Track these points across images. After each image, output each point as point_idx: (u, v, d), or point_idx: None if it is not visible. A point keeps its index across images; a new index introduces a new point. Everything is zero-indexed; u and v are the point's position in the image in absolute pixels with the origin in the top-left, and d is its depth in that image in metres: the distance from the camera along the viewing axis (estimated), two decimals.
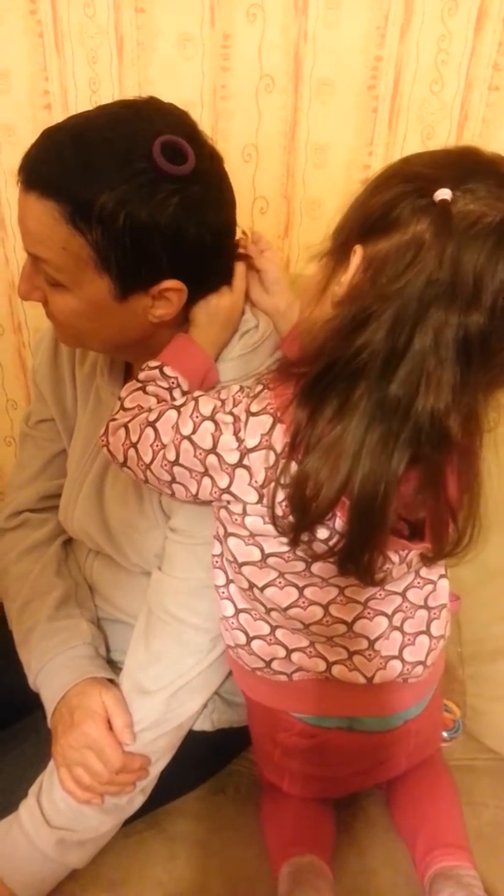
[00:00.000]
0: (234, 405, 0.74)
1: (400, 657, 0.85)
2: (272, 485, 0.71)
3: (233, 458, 0.72)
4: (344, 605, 0.81)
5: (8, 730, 1.02)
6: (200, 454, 0.73)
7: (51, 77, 1.33)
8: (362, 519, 0.69)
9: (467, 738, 1.13)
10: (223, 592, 0.85)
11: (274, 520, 0.73)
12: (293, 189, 1.32)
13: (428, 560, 0.80)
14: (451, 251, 0.61)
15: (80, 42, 1.28)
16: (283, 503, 0.71)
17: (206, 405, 0.75)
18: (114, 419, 0.80)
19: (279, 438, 0.71)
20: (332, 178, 1.29)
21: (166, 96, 0.78)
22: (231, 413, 0.73)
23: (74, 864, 0.86)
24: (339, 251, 0.70)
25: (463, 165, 0.65)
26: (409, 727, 0.90)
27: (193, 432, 0.74)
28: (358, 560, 0.73)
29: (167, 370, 0.81)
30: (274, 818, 0.97)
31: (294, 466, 0.70)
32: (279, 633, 0.84)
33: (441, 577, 0.88)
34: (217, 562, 0.84)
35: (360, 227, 0.67)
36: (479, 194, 0.62)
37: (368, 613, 0.82)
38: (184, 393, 0.80)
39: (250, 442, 0.72)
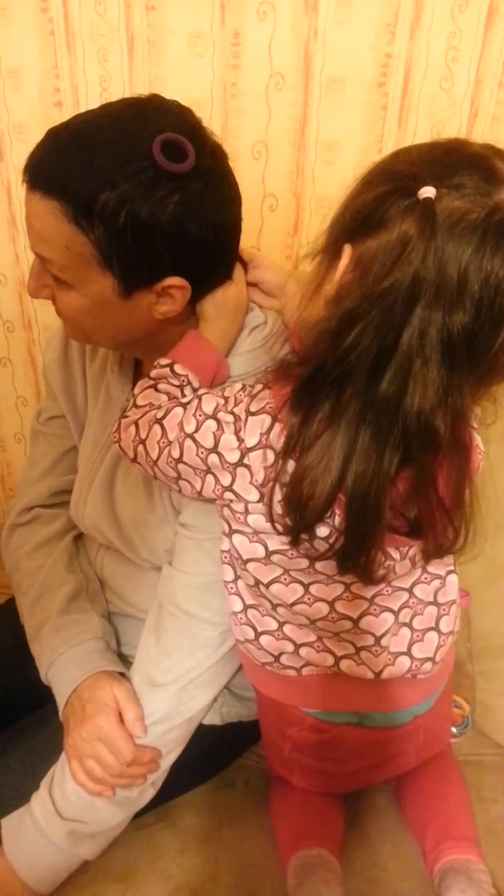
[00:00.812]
0: (236, 404, 0.74)
1: (409, 653, 0.85)
2: (271, 484, 0.72)
3: (233, 457, 0.73)
4: (350, 601, 0.81)
5: (20, 723, 1.02)
6: (202, 452, 0.74)
7: (62, 75, 1.34)
8: (358, 517, 0.70)
9: (476, 734, 1.13)
10: (231, 588, 0.85)
11: (273, 519, 0.73)
12: (303, 186, 1.32)
13: (427, 556, 0.80)
14: (434, 249, 0.60)
15: (91, 40, 1.29)
16: (282, 502, 0.72)
17: (209, 403, 0.75)
18: (126, 416, 0.81)
19: (277, 437, 0.71)
20: (341, 175, 1.29)
21: (176, 94, 0.79)
22: (232, 412, 0.74)
23: (86, 855, 0.87)
24: (331, 249, 0.70)
25: (449, 161, 0.64)
26: (417, 723, 0.91)
27: (196, 430, 0.74)
28: (356, 558, 0.73)
29: (177, 368, 0.81)
30: (283, 812, 0.98)
31: (291, 466, 0.70)
32: (287, 629, 0.84)
33: (450, 572, 0.88)
34: (226, 557, 0.85)
35: (349, 226, 0.68)
36: (465, 190, 0.62)
37: (374, 610, 0.82)
38: (194, 390, 0.81)
39: (250, 441, 0.72)
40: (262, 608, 0.84)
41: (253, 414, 0.73)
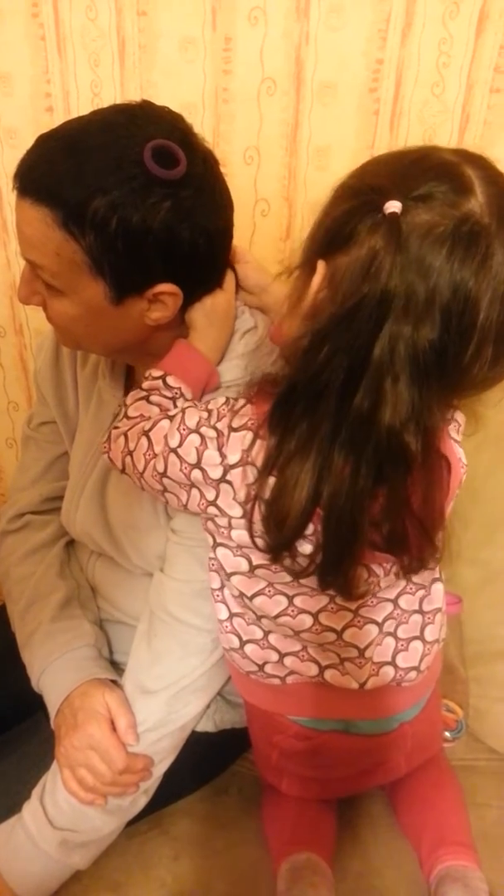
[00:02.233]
0: (219, 419, 0.74)
1: (393, 663, 0.85)
2: (252, 501, 0.71)
3: (216, 473, 0.73)
4: (335, 612, 0.81)
5: (10, 731, 1.02)
6: (186, 468, 0.74)
7: (53, 80, 1.33)
8: (335, 534, 0.69)
9: (470, 739, 1.13)
10: (218, 596, 0.85)
11: (253, 535, 0.73)
12: (295, 191, 1.32)
13: (405, 572, 0.79)
14: (401, 265, 0.60)
15: (82, 45, 1.29)
16: (261, 520, 0.71)
17: (192, 417, 0.75)
18: (116, 427, 0.81)
19: (259, 454, 0.70)
20: (333, 180, 1.25)
21: (168, 99, 0.79)
22: (215, 427, 0.73)
23: (78, 864, 0.87)
24: (307, 265, 0.70)
25: (415, 172, 0.63)
26: (405, 729, 0.90)
27: (179, 445, 0.74)
28: (336, 574, 0.73)
29: (170, 380, 0.81)
30: (274, 818, 0.97)
31: (271, 484, 0.70)
32: (272, 638, 0.84)
33: (435, 581, 0.87)
34: (213, 565, 0.84)
35: (322, 242, 0.67)
36: (432, 202, 0.60)
37: (358, 622, 0.82)
38: (187, 402, 0.80)
39: (232, 458, 0.72)
40: (247, 617, 0.84)
41: (235, 430, 0.72)
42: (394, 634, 0.85)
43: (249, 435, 0.71)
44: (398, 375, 0.62)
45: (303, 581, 0.77)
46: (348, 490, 0.66)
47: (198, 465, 0.73)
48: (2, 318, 1.65)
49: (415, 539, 0.72)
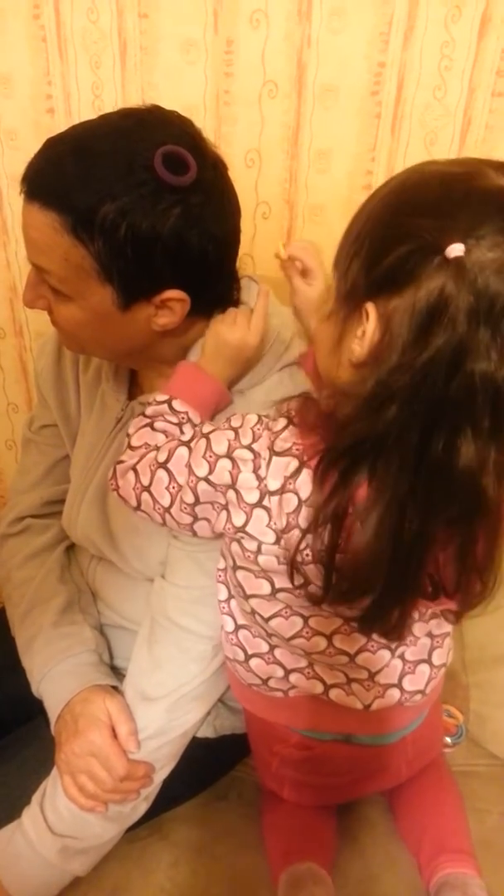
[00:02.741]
0: (254, 440, 0.71)
1: (399, 685, 0.84)
2: (294, 531, 0.69)
3: (252, 497, 0.70)
4: (348, 635, 0.79)
5: (10, 736, 1.01)
6: (221, 489, 0.71)
7: (54, 81, 1.33)
8: (395, 585, 0.67)
9: (470, 744, 1.13)
10: (224, 608, 0.84)
11: (294, 566, 0.70)
12: (296, 194, 1.32)
13: (453, 616, 0.78)
14: (475, 308, 0.57)
15: (84, 47, 1.28)
16: (306, 551, 0.69)
17: (220, 442, 0.72)
18: (121, 461, 0.78)
19: (305, 484, 0.68)
20: (334, 183, 1.29)
21: (169, 101, 0.79)
22: (250, 448, 0.70)
23: (77, 871, 0.86)
24: (347, 304, 0.67)
25: (470, 209, 0.60)
26: (406, 738, 0.90)
27: (210, 472, 0.71)
28: (385, 621, 0.71)
29: (176, 404, 0.79)
30: (274, 826, 0.97)
31: (325, 537, 0.67)
32: (277, 653, 0.83)
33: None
34: (220, 576, 0.84)
35: (368, 282, 0.64)
36: (494, 239, 0.58)
37: (372, 646, 0.81)
38: (194, 426, 0.78)
39: (272, 484, 0.69)
40: (253, 629, 0.83)
41: (278, 454, 0.69)
42: (402, 657, 0.84)
43: (294, 463, 0.68)
44: (478, 420, 0.60)
45: (323, 606, 0.75)
46: (414, 541, 0.65)
47: (232, 486, 0.71)
48: (1, 320, 1.64)
49: (472, 584, 0.70)
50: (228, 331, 0.81)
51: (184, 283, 0.77)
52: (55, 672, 0.91)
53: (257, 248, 1.38)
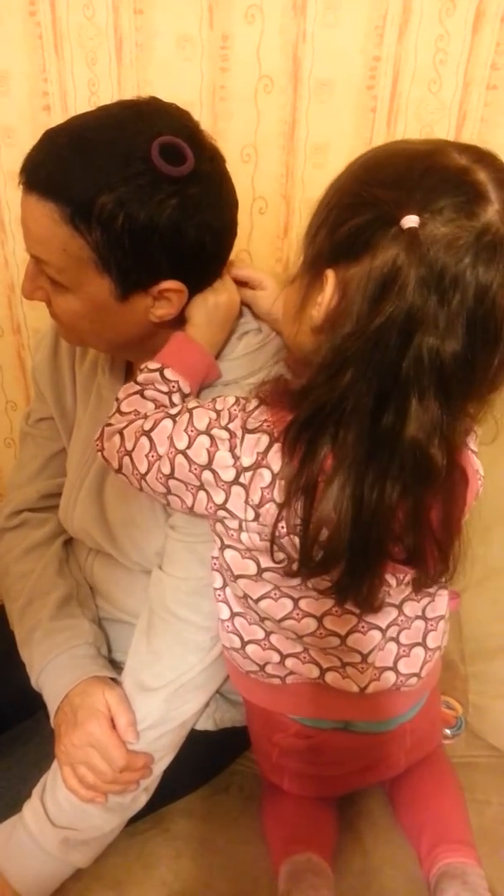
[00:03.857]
0: (230, 420, 0.73)
1: (394, 668, 0.85)
2: (268, 505, 0.70)
3: (228, 475, 0.72)
4: (339, 616, 0.80)
5: (10, 731, 1.01)
6: (196, 469, 0.73)
7: (50, 78, 1.33)
8: (360, 551, 0.69)
9: (470, 736, 1.13)
10: (219, 595, 0.85)
11: (273, 541, 0.72)
12: (292, 189, 1.32)
13: (417, 586, 0.79)
14: (425, 280, 0.59)
15: (80, 43, 1.28)
16: (282, 525, 0.71)
17: (201, 419, 0.74)
18: (109, 424, 0.80)
19: (276, 458, 0.69)
20: (331, 177, 1.26)
21: (165, 97, 0.79)
22: (227, 428, 0.72)
23: (79, 863, 0.86)
24: (310, 270, 0.69)
25: (428, 183, 0.61)
26: (404, 727, 0.90)
27: (188, 447, 0.73)
28: (358, 589, 0.73)
29: (168, 373, 0.80)
30: (274, 817, 0.97)
31: (298, 509, 0.68)
32: (273, 639, 0.84)
33: (439, 588, 0.87)
34: (215, 564, 0.84)
35: (329, 250, 0.66)
36: (449, 214, 0.60)
37: (362, 627, 0.82)
38: (184, 396, 0.80)
39: (246, 460, 0.71)
40: (249, 617, 0.83)
41: (250, 431, 0.71)
42: (396, 640, 0.84)
43: (265, 438, 0.70)
44: (425, 389, 0.62)
45: (310, 584, 0.77)
46: (374, 507, 0.66)
47: (208, 467, 0.72)
48: (0, 318, 1.65)
49: (431, 554, 0.72)
50: (215, 295, 0.82)
51: (181, 274, 0.78)
52: (54, 664, 0.91)
53: (254, 244, 1.38)
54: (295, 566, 0.73)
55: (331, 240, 0.66)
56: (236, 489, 0.72)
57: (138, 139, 0.72)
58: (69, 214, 0.72)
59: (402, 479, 0.66)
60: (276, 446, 0.70)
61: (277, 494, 0.70)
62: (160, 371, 0.80)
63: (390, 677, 0.84)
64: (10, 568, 1.03)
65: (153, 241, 0.74)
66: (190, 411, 0.75)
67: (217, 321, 0.83)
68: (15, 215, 1.44)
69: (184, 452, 0.73)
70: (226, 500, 0.73)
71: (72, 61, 1.30)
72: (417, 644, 0.85)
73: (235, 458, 0.71)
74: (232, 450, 0.71)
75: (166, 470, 0.74)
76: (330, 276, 0.65)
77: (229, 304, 0.84)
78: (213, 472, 0.72)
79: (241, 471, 0.71)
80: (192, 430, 0.73)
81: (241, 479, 0.71)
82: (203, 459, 0.72)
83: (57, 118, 1.36)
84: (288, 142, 1.28)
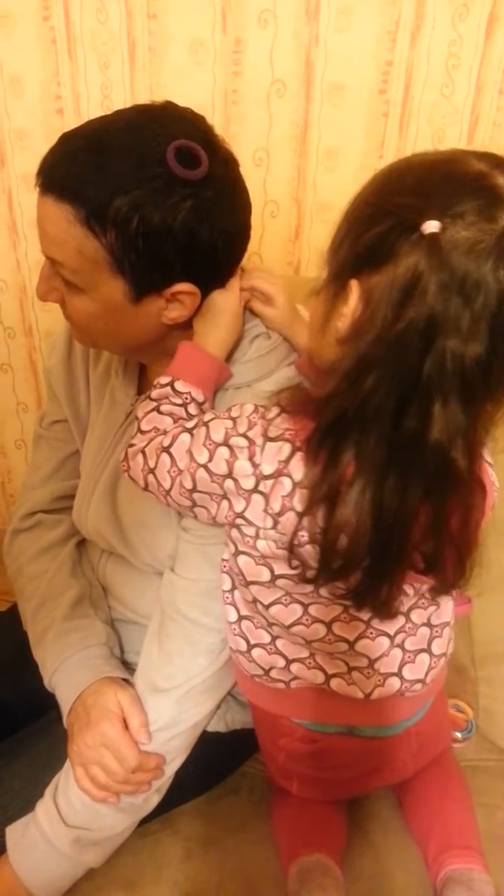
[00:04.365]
0: (249, 427, 0.72)
1: (399, 674, 0.84)
2: (289, 513, 0.70)
3: (248, 483, 0.71)
4: (347, 623, 0.80)
5: (23, 730, 1.02)
6: (218, 479, 0.73)
7: (63, 82, 1.34)
8: (382, 558, 0.69)
9: (480, 739, 1.13)
10: (227, 598, 0.85)
11: (291, 549, 0.72)
12: (304, 193, 1.33)
13: (435, 594, 0.79)
14: (447, 284, 0.59)
15: (93, 47, 1.29)
16: (302, 533, 0.70)
17: (218, 431, 0.73)
18: (132, 444, 0.80)
19: (298, 467, 0.69)
20: (342, 181, 1.29)
21: (178, 101, 0.79)
22: (245, 436, 0.72)
23: (91, 862, 0.87)
24: (335, 282, 0.69)
25: (447, 189, 0.61)
26: (410, 731, 0.90)
27: (209, 460, 0.73)
28: (376, 596, 0.73)
29: (179, 386, 0.80)
30: (283, 819, 0.97)
31: (320, 517, 0.68)
32: (279, 643, 0.84)
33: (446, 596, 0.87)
34: (224, 566, 0.84)
35: (352, 261, 0.66)
36: (469, 219, 0.60)
37: (371, 633, 0.82)
38: (199, 405, 0.80)
39: (266, 468, 0.70)
40: (255, 620, 0.84)
41: (271, 440, 0.71)
42: (401, 646, 0.84)
43: (287, 447, 0.70)
44: (447, 393, 0.62)
45: (322, 592, 0.77)
46: (396, 511, 0.66)
47: (229, 476, 0.72)
48: (12, 320, 1.65)
49: (450, 561, 0.72)
50: (223, 298, 0.83)
51: (194, 277, 0.78)
52: (67, 665, 0.91)
53: (265, 247, 1.38)
54: (312, 573, 0.72)
55: (353, 250, 0.66)
56: (256, 497, 0.72)
57: (154, 143, 0.72)
58: (85, 216, 0.73)
59: (423, 482, 0.66)
60: (299, 455, 0.69)
61: (297, 503, 0.69)
62: (171, 385, 0.80)
63: (395, 683, 0.84)
64: (24, 569, 1.04)
65: (167, 243, 0.75)
66: (206, 424, 0.75)
67: (224, 325, 0.83)
68: (27, 218, 1.46)
69: (205, 467, 0.73)
70: (245, 508, 0.73)
71: (85, 65, 1.32)
72: (422, 650, 0.85)
73: (255, 465, 0.71)
74: (251, 458, 0.71)
75: (188, 485, 0.74)
76: (354, 286, 0.65)
77: (230, 304, 0.83)
78: (235, 480, 0.72)
79: (260, 479, 0.71)
80: (210, 444, 0.73)
81: (261, 488, 0.71)
82: (223, 469, 0.72)
83: (70, 122, 1.37)
84: (300, 145, 1.28)
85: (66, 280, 0.79)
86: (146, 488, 0.79)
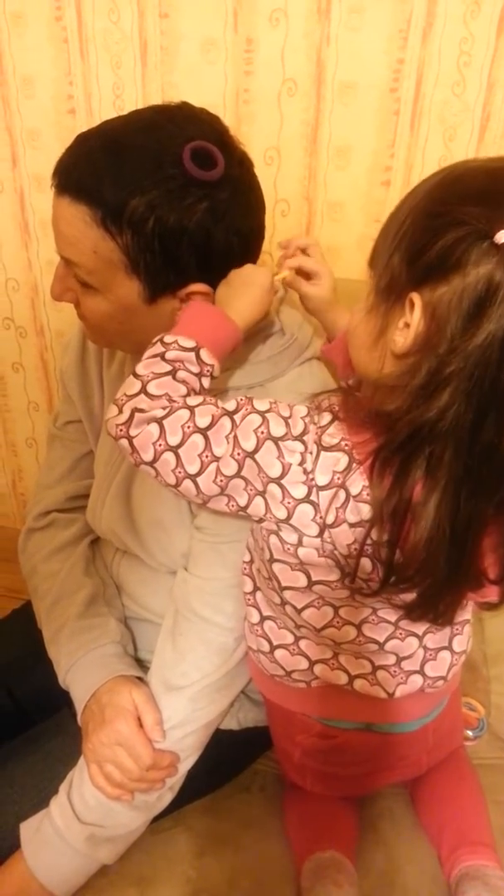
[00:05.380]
0: (304, 432, 0.71)
1: (421, 672, 0.84)
2: (343, 525, 0.69)
3: (299, 491, 0.70)
4: (376, 624, 0.80)
5: (37, 727, 1.02)
6: (264, 477, 0.70)
7: (75, 82, 1.35)
8: (453, 572, 0.68)
9: (492, 737, 1.13)
10: (249, 599, 0.85)
11: (340, 560, 0.71)
12: (315, 191, 1.33)
13: (491, 607, 0.78)
14: None
15: (105, 47, 1.30)
16: (354, 546, 0.69)
17: (278, 426, 0.70)
18: (140, 409, 0.71)
19: (356, 480, 0.68)
20: (353, 180, 1.29)
21: (189, 100, 0.80)
22: (301, 440, 0.70)
23: (104, 859, 0.87)
24: (387, 298, 0.68)
25: None
26: (427, 727, 0.91)
27: (255, 451, 0.70)
28: (435, 608, 0.72)
29: (204, 355, 0.74)
30: (296, 816, 0.98)
31: (385, 530, 0.67)
32: (303, 644, 0.84)
33: None
34: (245, 569, 0.84)
35: (412, 273, 0.65)
36: None
37: (400, 634, 0.82)
38: (212, 378, 0.76)
39: (321, 479, 0.69)
40: (279, 620, 0.84)
41: (326, 449, 0.69)
42: (423, 645, 0.84)
43: (345, 458, 0.68)
44: None
45: (358, 597, 0.76)
46: (469, 523, 0.65)
47: (278, 481, 0.70)
48: (23, 320, 1.66)
49: None
50: (255, 270, 0.80)
51: (209, 278, 0.79)
52: (81, 663, 0.92)
53: (276, 246, 1.38)
54: (373, 586, 0.71)
55: (412, 263, 0.65)
56: (304, 507, 0.70)
57: (170, 143, 0.73)
58: (100, 217, 0.74)
59: (497, 495, 0.65)
60: (358, 468, 0.68)
61: (350, 514, 0.68)
62: (196, 352, 0.74)
63: (417, 681, 0.84)
64: (38, 567, 1.04)
65: (182, 244, 0.75)
66: (262, 414, 0.72)
67: (246, 291, 0.80)
68: (39, 218, 1.46)
69: (252, 456, 0.70)
70: (288, 516, 0.71)
71: (97, 65, 1.32)
72: (444, 648, 0.86)
73: (306, 473, 0.69)
74: (302, 464, 0.69)
75: (230, 471, 0.71)
76: (416, 299, 0.64)
77: (252, 271, 0.81)
78: (282, 487, 0.70)
79: (313, 488, 0.69)
80: (262, 433, 0.70)
81: (313, 497, 0.69)
82: (275, 472, 0.70)
83: (82, 122, 1.37)
84: (311, 144, 1.28)
85: (81, 280, 0.79)
86: (152, 462, 0.71)
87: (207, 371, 0.75)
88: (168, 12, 1.24)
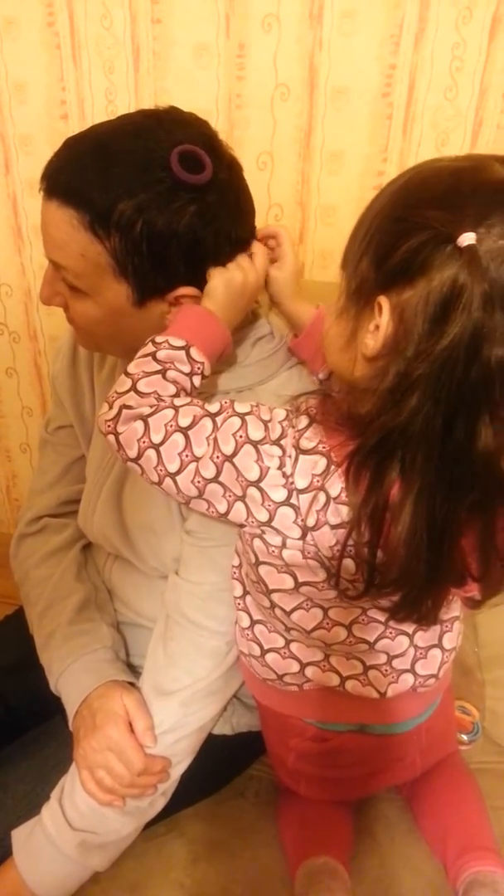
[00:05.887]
0: (282, 436, 0.71)
1: (412, 670, 0.84)
2: (324, 528, 0.69)
3: (279, 495, 0.69)
4: (366, 624, 0.80)
5: (29, 734, 1.02)
6: (242, 482, 0.70)
7: (68, 87, 1.35)
8: (433, 573, 0.68)
9: (486, 742, 1.12)
10: (239, 604, 0.85)
11: (329, 562, 0.71)
12: (308, 196, 1.33)
13: (475, 604, 0.77)
14: (489, 295, 0.58)
15: (97, 52, 1.30)
16: (336, 547, 0.69)
17: (256, 431, 0.71)
18: (128, 406, 0.73)
19: (334, 482, 0.68)
20: (346, 184, 1.30)
21: (181, 106, 0.80)
22: (279, 444, 0.70)
23: (96, 866, 0.87)
24: (359, 299, 0.68)
25: (479, 199, 0.61)
26: (420, 726, 0.90)
27: (234, 455, 0.70)
28: (418, 608, 0.72)
29: (194, 353, 0.75)
30: (290, 822, 0.97)
31: (366, 534, 0.67)
32: (294, 647, 0.84)
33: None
34: (235, 573, 0.84)
35: (380, 277, 0.65)
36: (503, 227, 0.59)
37: (390, 633, 0.81)
38: (202, 378, 0.77)
39: (300, 482, 0.69)
40: (269, 624, 0.83)
41: (304, 452, 0.69)
42: (414, 643, 0.84)
43: (323, 461, 0.68)
44: (495, 402, 0.61)
45: (344, 598, 0.75)
46: (445, 524, 0.65)
47: (257, 484, 0.70)
48: (17, 324, 1.66)
49: (494, 573, 0.71)
50: (241, 273, 0.81)
51: (197, 281, 0.79)
52: (72, 668, 0.91)
53: None
54: (358, 588, 0.71)
55: (379, 266, 0.65)
56: (285, 510, 0.70)
57: (158, 147, 0.73)
58: (88, 220, 0.74)
59: (472, 495, 0.65)
60: (336, 471, 0.68)
61: (331, 517, 0.68)
62: (186, 350, 0.75)
63: (409, 679, 0.84)
64: (30, 573, 1.04)
65: (171, 247, 0.75)
66: (241, 417, 0.72)
67: (241, 301, 0.81)
68: (32, 222, 1.46)
69: (230, 460, 0.70)
70: (270, 519, 0.71)
71: (89, 70, 1.32)
72: (434, 646, 0.85)
73: (286, 476, 0.69)
74: (281, 468, 0.69)
75: (208, 474, 0.71)
76: (384, 302, 0.64)
77: (255, 283, 0.82)
78: (262, 490, 0.70)
79: (293, 491, 0.69)
80: (241, 437, 0.71)
81: (293, 500, 0.69)
82: (253, 475, 0.70)
83: (74, 127, 1.37)
84: (304, 149, 1.29)
85: (70, 284, 0.79)
86: (136, 459, 0.73)
87: (198, 369, 0.76)
88: (160, 18, 1.24)
